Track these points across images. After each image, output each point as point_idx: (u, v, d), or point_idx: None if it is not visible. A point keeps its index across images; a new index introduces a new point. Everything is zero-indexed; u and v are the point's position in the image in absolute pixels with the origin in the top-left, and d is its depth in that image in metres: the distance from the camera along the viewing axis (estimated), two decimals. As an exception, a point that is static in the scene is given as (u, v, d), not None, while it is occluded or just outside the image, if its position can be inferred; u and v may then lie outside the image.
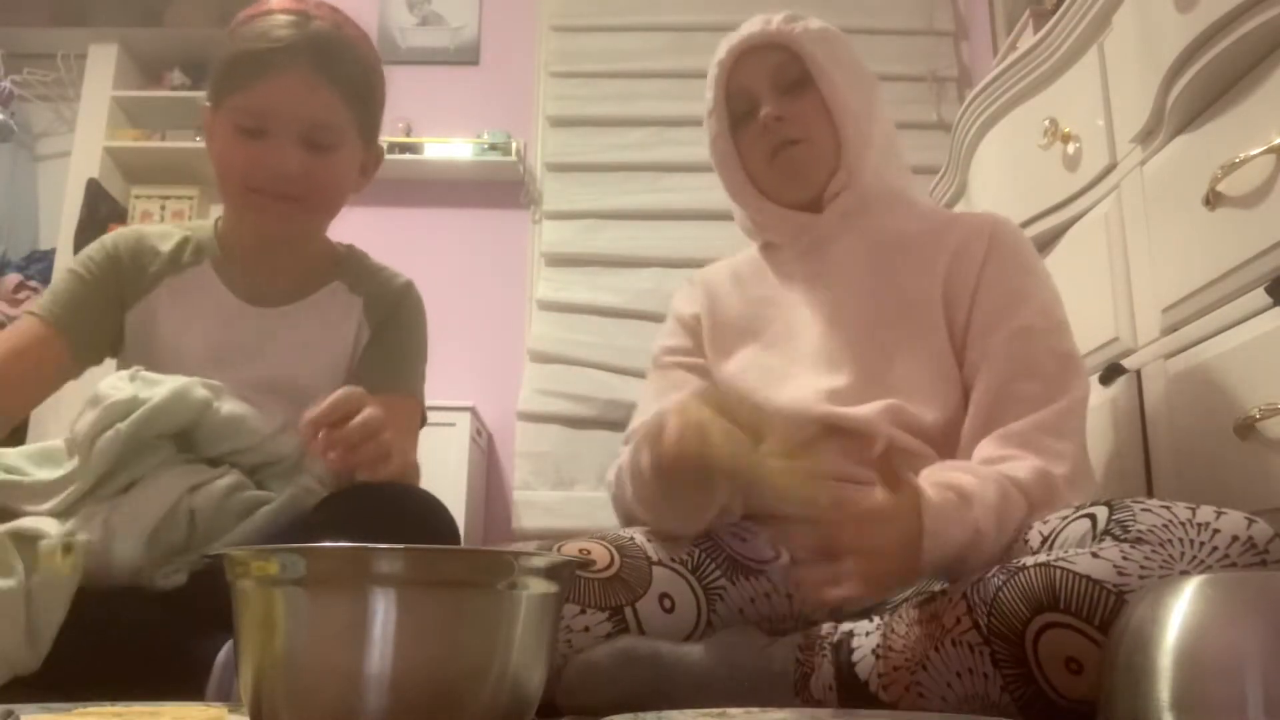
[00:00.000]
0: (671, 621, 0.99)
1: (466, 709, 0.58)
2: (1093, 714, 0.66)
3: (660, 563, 1.02)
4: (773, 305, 1.20)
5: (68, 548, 0.91)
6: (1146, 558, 0.72)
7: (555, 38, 3.38)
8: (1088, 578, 0.72)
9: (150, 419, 1.01)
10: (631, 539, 1.05)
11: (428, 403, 1.26)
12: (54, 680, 0.87)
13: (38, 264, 3.28)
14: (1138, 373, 1.35)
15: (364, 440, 0.93)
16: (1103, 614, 0.70)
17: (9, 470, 1.03)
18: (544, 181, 3.29)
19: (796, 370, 1.12)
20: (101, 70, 3.34)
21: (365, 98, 1.15)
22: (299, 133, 1.10)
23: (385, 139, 3.60)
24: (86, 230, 3.05)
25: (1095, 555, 0.73)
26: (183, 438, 1.06)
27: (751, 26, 1.18)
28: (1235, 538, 0.73)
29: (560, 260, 3.21)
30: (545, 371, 3.06)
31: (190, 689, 0.84)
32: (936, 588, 0.90)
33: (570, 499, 2.91)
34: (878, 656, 0.84)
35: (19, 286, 3.14)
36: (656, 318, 1.73)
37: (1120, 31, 1.43)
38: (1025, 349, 1.03)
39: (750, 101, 1.18)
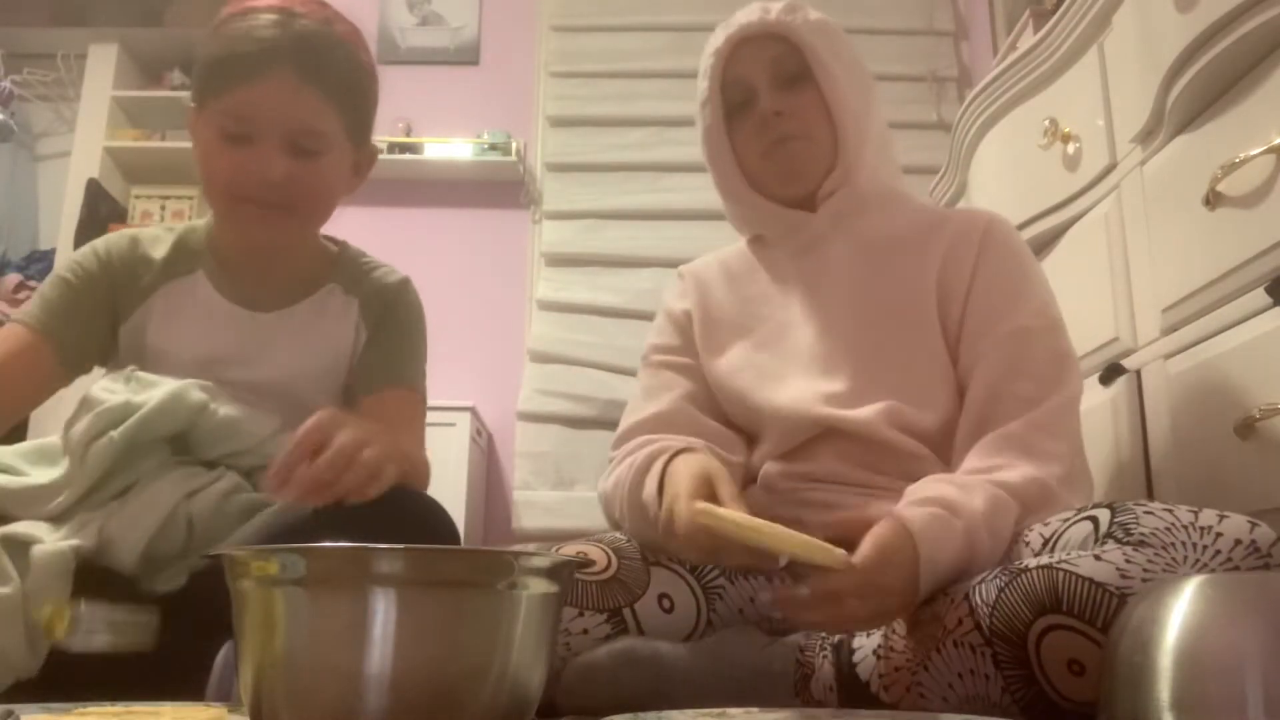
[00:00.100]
0: (671, 622, 0.99)
1: (466, 709, 0.58)
2: (1094, 716, 0.66)
3: (658, 563, 1.02)
4: (765, 304, 1.18)
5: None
6: (1149, 560, 0.72)
7: (555, 38, 3.38)
8: (1090, 580, 0.71)
9: (144, 424, 1.01)
10: (628, 540, 1.05)
11: (428, 403, 1.25)
12: (55, 682, 0.87)
13: (38, 264, 3.28)
14: (1138, 373, 1.35)
15: (340, 472, 0.86)
16: (1105, 616, 0.70)
17: (4, 469, 1.03)
18: (544, 181, 3.29)
19: (791, 371, 1.11)
20: (101, 70, 3.34)
21: (354, 99, 1.11)
22: (284, 138, 1.06)
23: (385, 139, 3.58)
24: (86, 230, 3.05)
25: (1098, 558, 0.73)
26: (178, 440, 1.05)
27: (750, 15, 1.14)
28: (1238, 541, 0.72)
29: (560, 260, 3.21)
30: (545, 371, 3.06)
31: (190, 689, 0.84)
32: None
33: (570, 499, 2.91)
34: (879, 657, 0.84)
35: (19, 286, 3.14)
36: (656, 318, 1.72)
37: (1120, 31, 1.43)
38: (1020, 349, 1.02)
39: (746, 92, 1.14)
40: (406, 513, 1.00)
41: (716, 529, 0.82)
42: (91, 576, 0.95)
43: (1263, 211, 1.08)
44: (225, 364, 1.12)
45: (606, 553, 1.01)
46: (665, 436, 1.08)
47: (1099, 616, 0.70)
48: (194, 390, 1.04)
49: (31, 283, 3.17)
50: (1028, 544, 0.87)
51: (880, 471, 1.03)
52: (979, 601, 0.77)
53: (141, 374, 1.07)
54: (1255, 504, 1.06)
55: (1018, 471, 0.92)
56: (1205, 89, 1.20)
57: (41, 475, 1.03)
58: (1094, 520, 0.80)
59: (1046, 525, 0.87)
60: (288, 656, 0.58)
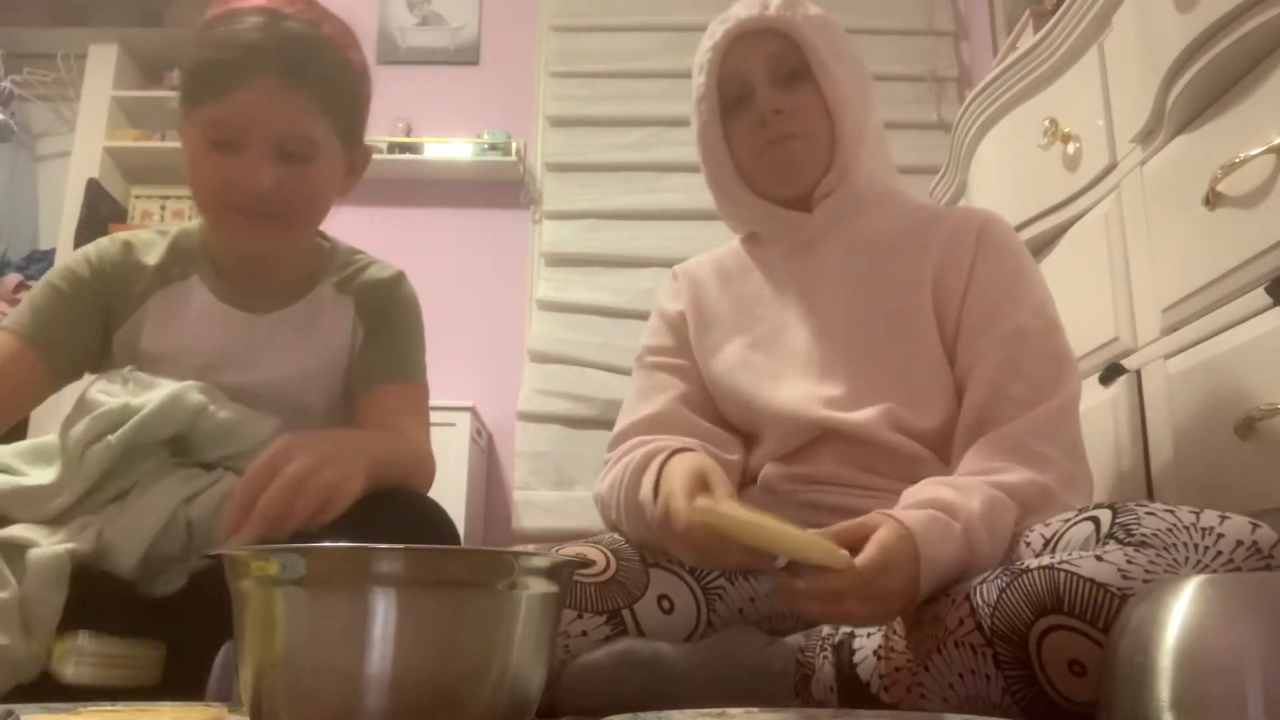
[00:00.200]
0: (671, 622, 0.98)
1: (466, 709, 0.58)
2: (1095, 717, 0.66)
3: (657, 564, 1.01)
4: (760, 304, 1.17)
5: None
6: (1151, 561, 0.72)
7: (555, 38, 3.38)
8: (1092, 581, 0.71)
9: (143, 427, 1.00)
10: (626, 541, 1.04)
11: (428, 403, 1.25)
12: (55, 685, 0.87)
13: (38, 264, 3.28)
14: (1138, 373, 1.35)
15: (289, 502, 0.84)
16: (1106, 617, 0.69)
17: (1, 469, 1.03)
18: (544, 181, 3.29)
19: (787, 373, 1.11)
20: (101, 70, 3.34)
21: (344, 101, 1.09)
22: (272, 145, 1.04)
23: (385, 139, 3.58)
24: (86, 230, 3.05)
25: (1099, 558, 0.73)
26: (177, 442, 1.05)
27: (748, 10, 1.12)
28: (1239, 542, 0.72)
29: (560, 260, 3.21)
30: (545, 371, 3.06)
31: (190, 689, 0.84)
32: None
33: (570, 499, 2.91)
34: (879, 658, 0.84)
35: (19, 286, 3.14)
36: (656, 318, 1.72)
37: (1120, 31, 1.43)
38: (1018, 350, 1.02)
39: (743, 88, 1.12)
40: (406, 513, 1.00)
41: (717, 525, 0.81)
42: (90, 580, 0.94)
43: (1263, 211, 1.08)
44: (222, 369, 1.11)
45: (605, 554, 1.00)
46: (660, 437, 1.07)
47: (1100, 617, 0.70)
48: (193, 392, 1.03)
49: (31, 282, 3.17)
50: (1029, 544, 0.87)
51: (880, 473, 1.03)
52: (980, 602, 0.77)
53: (140, 374, 1.07)
54: (1255, 504, 1.06)
55: (1016, 473, 0.92)
56: (1205, 89, 1.20)
57: (40, 475, 1.03)
58: (1095, 521, 0.80)
59: (1048, 526, 0.87)
60: (288, 656, 0.58)
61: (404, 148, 3.24)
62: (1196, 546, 0.73)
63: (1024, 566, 0.77)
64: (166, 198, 3.33)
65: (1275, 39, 1.08)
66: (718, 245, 1.28)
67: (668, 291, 1.25)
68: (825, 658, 0.88)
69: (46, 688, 0.87)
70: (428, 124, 3.31)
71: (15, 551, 0.93)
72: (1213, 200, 1.14)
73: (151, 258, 1.16)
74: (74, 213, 3.15)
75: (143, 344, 1.13)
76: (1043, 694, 0.73)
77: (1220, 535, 0.73)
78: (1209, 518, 0.75)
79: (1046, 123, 1.58)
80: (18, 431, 1.63)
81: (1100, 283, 1.43)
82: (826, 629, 0.91)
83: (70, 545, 0.94)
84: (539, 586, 0.61)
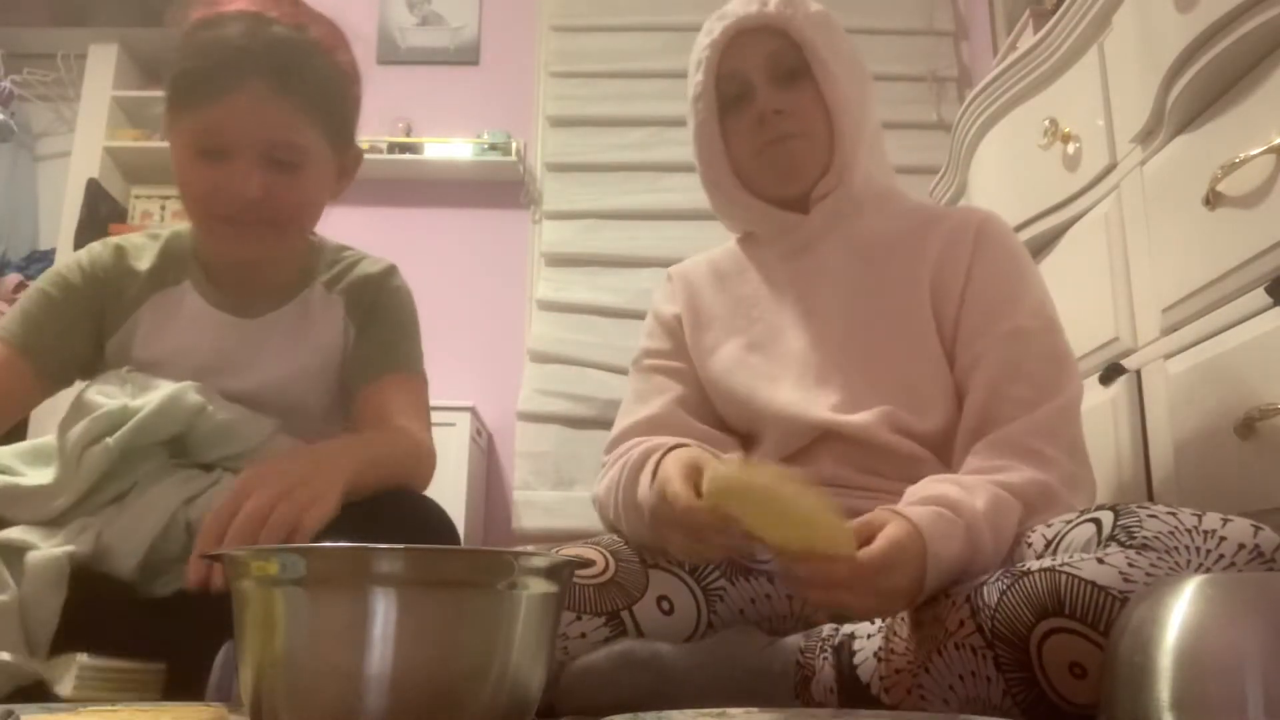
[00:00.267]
0: (671, 623, 0.98)
1: (466, 709, 0.58)
2: (1096, 719, 0.66)
3: (656, 565, 1.01)
4: (756, 305, 1.16)
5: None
6: (1152, 564, 0.71)
7: (555, 38, 3.38)
8: (1093, 583, 0.71)
9: (141, 429, 1.00)
10: (625, 543, 1.04)
11: (430, 402, 1.23)
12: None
13: (38, 264, 3.28)
14: (1138, 373, 1.35)
15: (251, 542, 0.83)
16: (1107, 620, 0.69)
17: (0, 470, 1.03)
18: (544, 181, 3.30)
19: (785, 375, 1.10)
20: (101, 70, 3.34)
21: (332, 106, 1.07)
22: (260, 153, 1.02)
23: (385, 139, 3.56)
24: (86, 230, 3.05)
25: (1101, 561, 0.73)
26: (175, 443, 1.05)
27: (748, 6, 1.10)
28: (1241, 545, 0.72)
29: (560, 260, 3.21)
30: (545, 371, 3.07)
31: (190, 689, 0.84)
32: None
33: (570, 499, 2.91)
34: (879, 659, 0.84)
35: (19, 286, 3.14)
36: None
37: (1120, 31, 1.43)
38: (1018, 351, 1.02)
39: (742, 86, 1.11)
40: (405, 513, 1.00)
41: (725, 500, 0.79)
42: (89, 582, 0.94)
43: (1263, 211, 1.08)
44: (215, 375, 1.10)
45: (604, 555, 1.00)
46: (658, 438, 1.07)
47: (1101, 620, 0.70)
48: (191, 393, 1.03)
49: (31, 282, 3.16)
50: (1030, 545, 0.86)
51: (880, 474, 1.03)
52: (981, 604, 0.77)
53: (137, 375, 1.07)
54: (1255, 504, 1.06)
55: (1019, 473, 0.92)
56: (1205, 89, 1.20)
57: (38, 476, 1.03)
58: (1097, 522, 0.80)
59: (1049, 526, 0.87)
60: (288, 656, 0.58)
61: (404, 148, 3.24)
62: (1198, 550, 0.72)
63: (1025, 568, 0.76)
64: (166, 198, 3.33)
65: (1275, 39, 1.08)
66: (717, 245, 1.27)
67: (663, 293, 1.25)
68: (825, 659, 0.88)
69: (47, 688, 0.87)
70: (428, 124, 3.31)
71: (14, 554, 0.93)
72: (1213, 200, 1.14)
73: (144, 263, 1.15)
74: (74, 213, 3.15)
75: (135, 350, 1.12)
76: (1043, 696, 0.73)
77: (1222, 538, 0.72)
78: (1211, 520, 0.74)
79: (1046, 123, 1.58)
80: (17, 433, 1.62)
81: (1100, 283, 1.43)
82: (827, 630, 0.91)
83: (69, 547, 0.94)
84: (539, 586, 0.61)
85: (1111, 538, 0.77)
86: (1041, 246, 1.63)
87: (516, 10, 3.45)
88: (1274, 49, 1.09)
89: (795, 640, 0.92)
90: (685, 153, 1.22)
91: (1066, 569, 0.73)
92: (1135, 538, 0.75)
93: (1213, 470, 1.16)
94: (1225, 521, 0.74)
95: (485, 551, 0.67)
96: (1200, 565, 0.72)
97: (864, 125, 1.13)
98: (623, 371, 2.96)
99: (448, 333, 3.08)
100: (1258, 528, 0.73)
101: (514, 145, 3.23)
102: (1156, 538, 0.74)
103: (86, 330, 1.13)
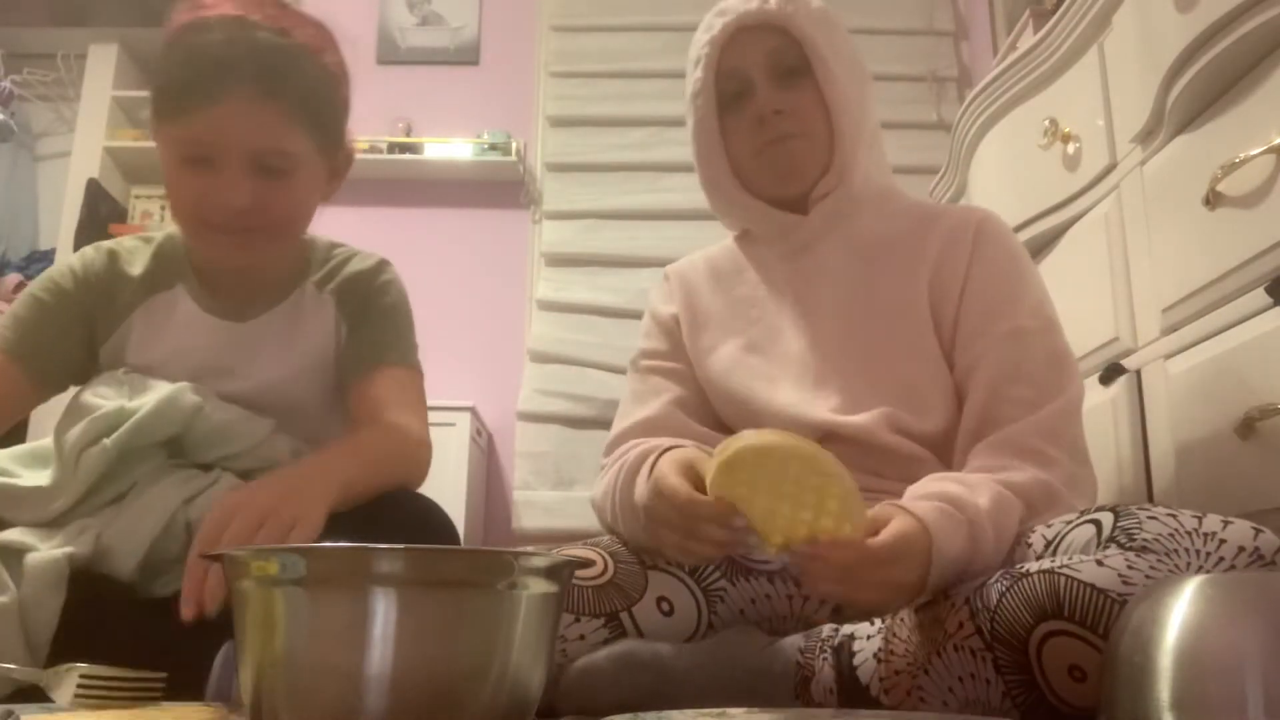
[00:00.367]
0: (671, 624, 0.98)
1: (466, 709, 0.58)
2: None
3: (655, 566, 1.01)
4: (754, 306, 1.16)
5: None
6: (1152, 567, 0.71)
7: (555, 38, 3.38)
8: (1092, 586, 0.71)
9: (139, 430, 1.00)
10: (624, 544, 1.04)
11: (428, 403, 1.21)
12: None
13: (38, 264, 3.28)
14: (1138, 373, 1.35)
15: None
16: (1106, 622, 0.69)
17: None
18: (544, 181, 3.29)
19: (784, 376, 1.10)
20: (101, 70, 3.34)
21: (321, 109, 1.06)
22: (248, 161, 1.01)
23: (385, 139, 3.54)
24: (86, 230, 3.05)
25: (1100, 563, 0.72)
26: (173, 443, 1.04)
27: (748, 3, 1.09)
28: (1241, 548, 0.72)
29: (560, 260, 3.21)
30: (545, 371, 3.07)
31: (190, 689, 0.84)
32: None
33: (570, 499, 2.91)
34: (879, 660, 0.84)
35: (19, 286, 3.14)
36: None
37: (1120, 31, 1.43)
38: (1018, 351, 1.01)
39: (741, 84, 1.10)
40: (405, 513, 1.00)
41: (736, 474, 0.77)
42: (88, 583, 0.94)
43: (1263, 211, 1.08)
44: (210, 378, 1.09)
45: (602, 556, 1.00)
46: (654, 440, 1.07)
47: (1100, 623, 0.69)
48: (188, 393, 1.03)
49: (31, 283, 3.17)
50: (1030, 545, 0.86)
51: (881, 475, 1.03)
52: (980, 606, 0.77)
53: (134, 376, 1.06)
54: (1255, 504, 1.06)
55: (1021, 472, 0.92)
56: (1205, 89, 1.20)
57: (34, 478, 1.03)
58: (1097, 524, 0.80)
59: (1049, 527, 0.86)
60: (288, 656, 0.58)
61: (404, 148, 3.24)
62: (1198, 552, 0.72)
63: (1024, 570, 0.76)
64: (166, 198, 3.33)
65: (1275, 39, 1.08)
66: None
67: (660, 293, 1.24)
68: (825, 659, 0.87)
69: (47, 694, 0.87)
70: (428, 124, 3.31)
71: (13, 556, 0.93)
72: (1213, 200, 1.14)
73: (137, 267, 1.15)
74: (74, 213, 3.15)
75: (129, 355, 1.12)
76: (1043, 699, 0.72)
77: (1222, 541, 0.72)
78: (1211, 523, 0.74)
79: (1046, 123, 1.58)
80: (17, 436, 1.62)
81: (1100, 283, 1.43)
82: (826, 630, 0.91)
83: (68, 549, 0.94)
84: (539, 586, 0.61)
85: (1111, 539, 0.76)
86: (1041, 246, 1.63)
87: (516, 10, 3.45)
88: (1274, 49, 1.09)
89: (795, 641, 0.91)
90: (685, 153, 1.21)
91: (1066, 571, 0.73)
92: (1135, 540, 0.74)
93: (1213, 470, 1.16)
94: (1226, 524, 0.74)
95: (485, 551, 0.67)
96: (1200, 568, 0.71)
97: (864, 125, 1.12)
98: (623, 371, 2.93)
99: (448, 333, 3.08)
100: (1258, 530, 0.73)
101: (514, 145, 3.23)
102: (1156, 540, 0.73)
103: (79, 336, 1.12)
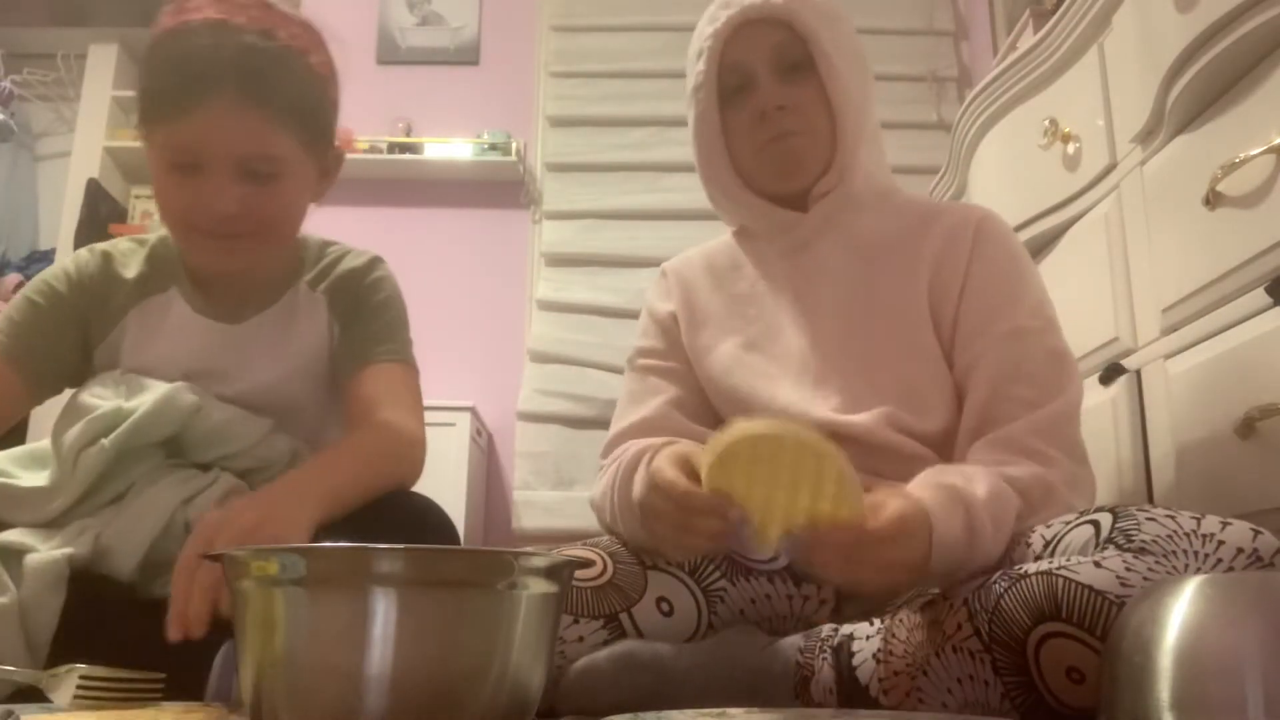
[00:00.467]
0: (671, 625, 0.98)
1: (466, 709, 0.58)
2: (1094, 720, 0.66)
3: (655, 566, 1.00)
4: (753, 304, 1.15)
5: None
6: (1150, 569, 0.71)
7: (555, 38, 3.38)
8: (1090, 588, 0.71)
9: (137, 430, 0.99)
10: (624, 545, 1.03)
11: (427, 403, 1.20)
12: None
13: (38, 264, 3.29)
14: (1138, 373, 1.35)
15: (220, 597, 0.80)
16: (1104, 624, 0.69)
17: None
18: (544, 181, 3.30)
19: (784, 375, 1.10)
20: (101, 70, 3.34)
21: (307, 111, 1.04)
22: (235, 166, 1.00)
23: (385, 139, 3.54)
24: (86, 230, 3.05)
25: (1098, 565, 0.72)
26: (172, 443, 1.04)
27: None
28: (1240, 549, 0.71)
29: (560, 260, 3.21)
30: (545, 371, 3.07)
31: (190, 689, 0.84)
32: (934, 590, 0.89)
33: (570, 499, 2.91)
34: (878, 661, 0.84)
35: (19, 287, 3.14)
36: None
37: (1120, 31, 1.43)
38: (1017, 351, 1.01)
39: (744, 78, 1.09)
40: (405, 513, 1.00)
41: (734, 450, 0.77)
42: (88, 583, 0.94)
43: (1263, 211, 1.08)
44: (204, 380, 1.09)
45: (602, 557, 1.00)
46: (651, 439, 1.06)
47: (1098, 625, 0.69)
48: (185, 393, 1.03)
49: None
50: (1029, 545, 0.86)
51: (882, 475, 1.02)
52: (978, 607, 0.77)
53: (131, 376, 1.06)
54: (1255, 504, 1.06)
55: (1020, 468, 0.92)
56: (1205, 89, 1.20)
57: (33, 479, 1.02)
58: (1095, 525, 0.80)
59: (1048, 527, 0.86)
60: (288, 656, 0.58)
61: (404, 148, 3.24)
62: (1197, 554, 0.72)
63: (1022, 571, 0.76)
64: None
65: (1275, 39, 1.08)
66: (715, 244, 1.26)
67: (657, 290, 1.23)
68: (825, 660, 0.87)
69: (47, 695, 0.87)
70: (428, 124, 3.31)
71: (13, 557, 0.93)
72: (1213, 200, 1.14)
73: (131, 270, 1.15)
74: (74, 213, 3.15)
75: (123, 358, 1.11)
76: (1041, 700, 0.72)
77: (1220, 542, 0.72)
78: (1210, 524, 0.74)
79: (1046, 123, 1.58)
80: (16, 435, 1.62)
81: (1100, 283, 1.43)
82: (826, 630, 0.91)
83: (68, 550, 0.94)
84: (539, 586, 0.61)
85: (1109, 540, 0.76)
86: (1041, 246, 1.63)
87: (516, 10, 3.45)
88: (1274, 49, 1.09)
89: (795, 641, 0.91)
90: (685, 152, 1.21)
91: (1063, 572, 0.73)
92: (1133, 541, 0.74)
93: (1213, 470, 1.16)
94: (1224, 525, 0.73)
95: (485, 551, 0.67)
96: (1197, 569, 0.71)
97: (865, 122, 1.12)
98: (622, 371, 2.96)
99: (448, 333, 3.08)
100: (1257, 531, 0.73)
101: (514, 145, 3.23)
102: (1154, 541, 0.73)
103: (73, 338, 1.12)
